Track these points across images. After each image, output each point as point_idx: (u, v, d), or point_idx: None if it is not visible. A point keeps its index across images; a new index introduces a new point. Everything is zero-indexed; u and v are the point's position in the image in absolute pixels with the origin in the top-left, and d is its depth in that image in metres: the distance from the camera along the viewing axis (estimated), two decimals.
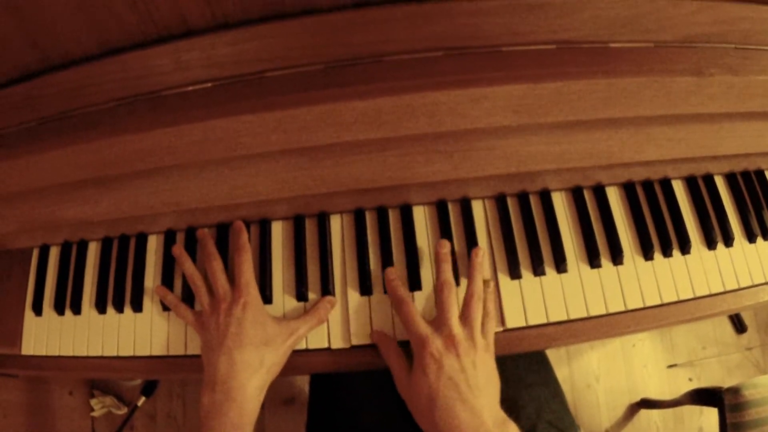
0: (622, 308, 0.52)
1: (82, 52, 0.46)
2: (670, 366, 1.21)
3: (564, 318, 0.51)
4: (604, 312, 0.52)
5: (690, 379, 1.20)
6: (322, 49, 0.41)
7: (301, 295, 0.51)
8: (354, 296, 0.51)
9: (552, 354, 1.19)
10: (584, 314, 0.51)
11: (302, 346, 0.49)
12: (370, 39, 0.40)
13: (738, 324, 1.24)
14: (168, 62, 0.44)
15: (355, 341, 0.49)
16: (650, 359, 1.21)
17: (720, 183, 0.60)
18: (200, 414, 0.43)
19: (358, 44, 0.40)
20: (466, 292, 0.47)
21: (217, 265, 0.49)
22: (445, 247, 0.49)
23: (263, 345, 0.44)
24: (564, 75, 0.38)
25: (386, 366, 0.48)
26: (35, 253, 0.59)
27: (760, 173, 0.62)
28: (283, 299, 0.52)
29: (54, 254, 0.58)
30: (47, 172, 0.47)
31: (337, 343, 0.49)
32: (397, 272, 0.50)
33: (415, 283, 0.51)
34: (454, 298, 0.46)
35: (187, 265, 0.51)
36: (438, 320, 0.45)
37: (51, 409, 1.01)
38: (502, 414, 0.43)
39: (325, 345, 0.49)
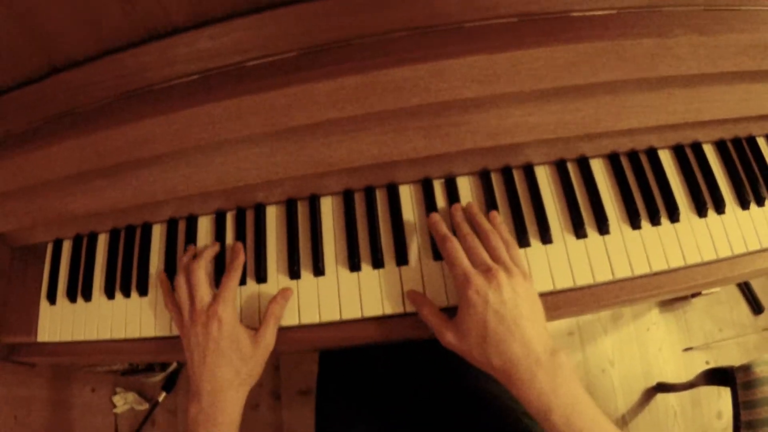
0: (610, 278, 0.52)
1: (83, 54, 0.50)
2: (686, 349, 1.18)
3: (550, 288, 0.52)
4: (591, 282, 0.52)
5: (707, 362, 1.17)
6: (295, 38, 0.43)
7: (293, 274, 0.54)
8: (344, 273, 0.53)
9: (565, 339, 1.18)
10: (571, 285, 0.52)
11: (295, 322, 0.52)
12: (339, 24, 0.42)
13: (755, 304, 1.20)
14: (157, 59, 0.47)
15: (345, 315, 0.51)
16: (665, 343, 1.18)
17: (709, 151, 0.59)
18: (188, 423, 0.47)
19: (328, 30, 0.43)
20: (479, 234, 0.49)
21: (202, 275, 0.50)
22: (437, 215, 0.51)
23: (240, 361, 0.48)
24: (521, 44, 0.39)
25: (381, 340, 0.49)
26: (49, 247, 0.63)
27: (751, 139, 0.61)
28: (277, 278, 0.54)
29: (66, 246, 0.62)
30: (58, 165, 0.51)
31: (327, 317, 0.51)
32: (438, 216, 0.51)
33: (402, 259, 0.53)
34: (478, 241, 0.48)
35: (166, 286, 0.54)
36: (473, 262, 0.47)
37: (74, 405, 1.05)
38: (550, 342, 0.44)
39: (317, 320, 0.52)
